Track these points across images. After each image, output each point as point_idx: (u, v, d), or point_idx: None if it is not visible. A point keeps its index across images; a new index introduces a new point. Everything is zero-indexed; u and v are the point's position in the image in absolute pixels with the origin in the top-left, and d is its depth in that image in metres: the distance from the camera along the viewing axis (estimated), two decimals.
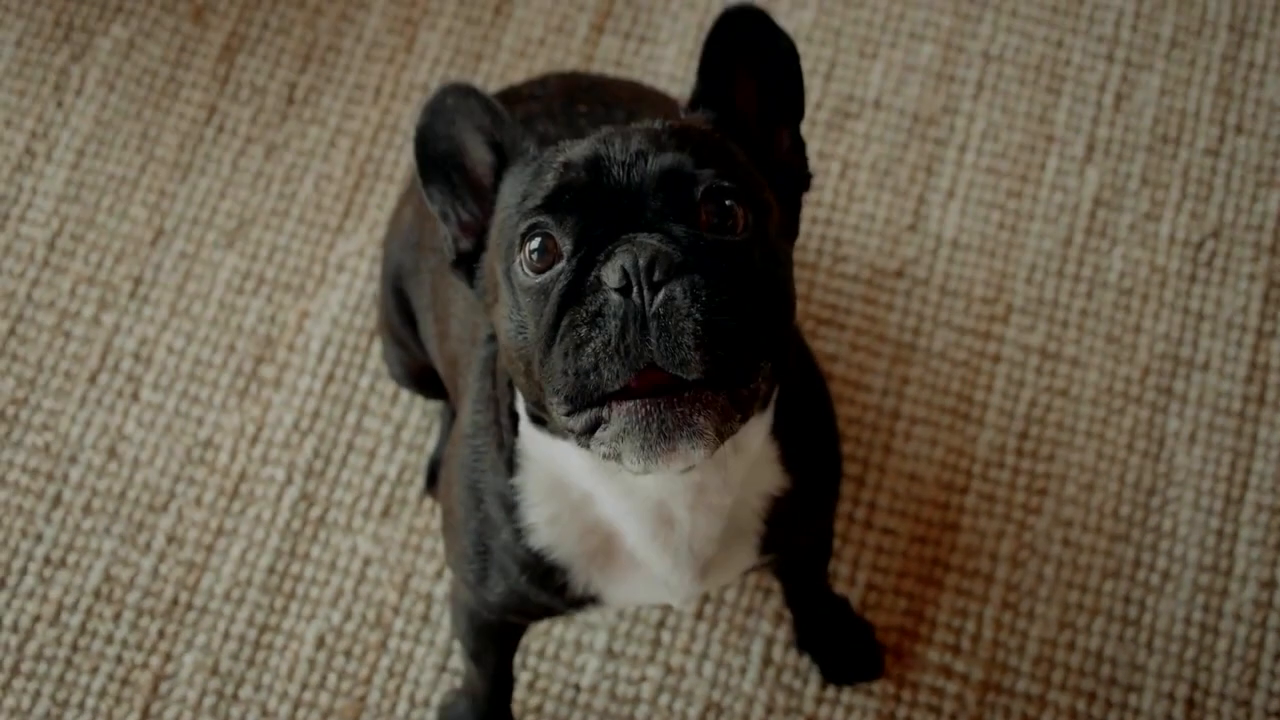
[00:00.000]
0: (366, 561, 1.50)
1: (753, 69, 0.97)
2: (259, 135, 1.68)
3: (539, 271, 0.89)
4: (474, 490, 1.07)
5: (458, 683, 1.44)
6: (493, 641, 1.26)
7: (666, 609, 1.47)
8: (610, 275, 0.85)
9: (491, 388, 1.06)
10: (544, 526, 1.03)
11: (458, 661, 1.45)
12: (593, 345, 0.85)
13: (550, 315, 0.87)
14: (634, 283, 0.84)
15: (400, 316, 1.36)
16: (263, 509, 1.52)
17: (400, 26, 1.73)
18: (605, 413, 0.86)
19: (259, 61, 1.71)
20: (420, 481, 1.53)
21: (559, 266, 0.88)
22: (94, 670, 1.46)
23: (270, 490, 1.52)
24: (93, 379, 1.57)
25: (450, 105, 0.96)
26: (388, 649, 1.47)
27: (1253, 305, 1.60)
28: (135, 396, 1.57)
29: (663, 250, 0.85)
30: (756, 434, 0.99)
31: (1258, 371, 1.57)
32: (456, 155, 0.98)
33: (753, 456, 1.00)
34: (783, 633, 1.46)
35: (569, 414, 0.88)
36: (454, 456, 1.11)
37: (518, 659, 1.46)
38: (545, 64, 1.71)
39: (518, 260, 0.90)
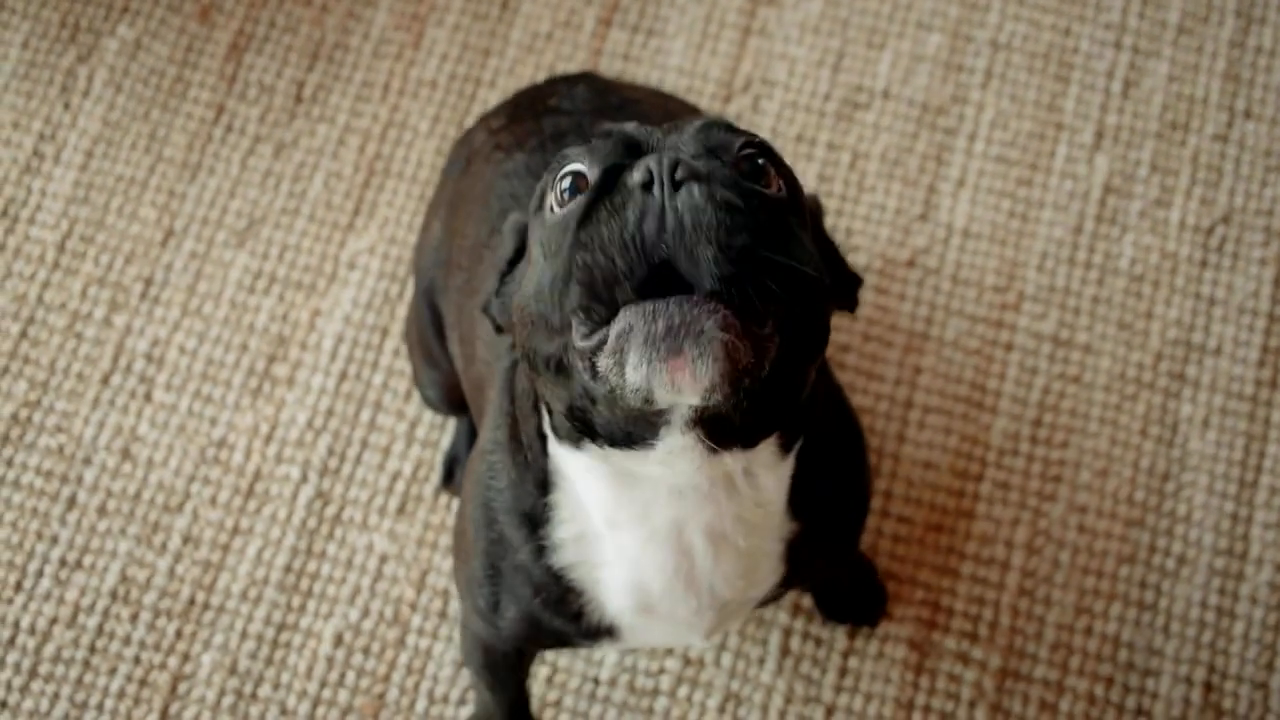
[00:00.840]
0: (383, 558, 1.50)
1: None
2: (267, 134, 1.68)
3: (564, 206, 0.85)
4: (488, 509, 1.04)
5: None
6: (508, 672, 1.23)
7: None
8: (634, 175, 0.80)
9: (510, 405, 1.03)
10: (570, 545, 0.99)
11: None
12: (606, 238, 0.79)
13: (571, 234, 0.81)
14: (656, 179, 0.80)
15: (434, 330, 1.33)
16: (278, 508, 1.52)
17: (407, 23, 1.72)
18: (615, 330, 0.79)
19: (266, 60, 1.71)
20: (435, 478, 1.53)
21: (584, 196, 0.84)
22: (112, 671, 1.46)
23: (285, 489, 1.52)
24: (105, 380, 1.57)
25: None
26: (406, 645, 1.47)
27: (1264, 290, 1.60)
28: (148, 397, 1.56)
29: (689, 159, 0.81)
30: (777, 472, 0.94)
31: (1270, 355, 1.58)
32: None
33: (767, 494, 0.95)
34: (800, 623, 1.46)
35: (588, 335, 0.81)
36: (471, 474, 1.08)
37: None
38: (553, 59, 1.71)
39: (548, 202, 0.86)
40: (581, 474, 0.94)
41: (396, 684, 1.46)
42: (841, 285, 0.97)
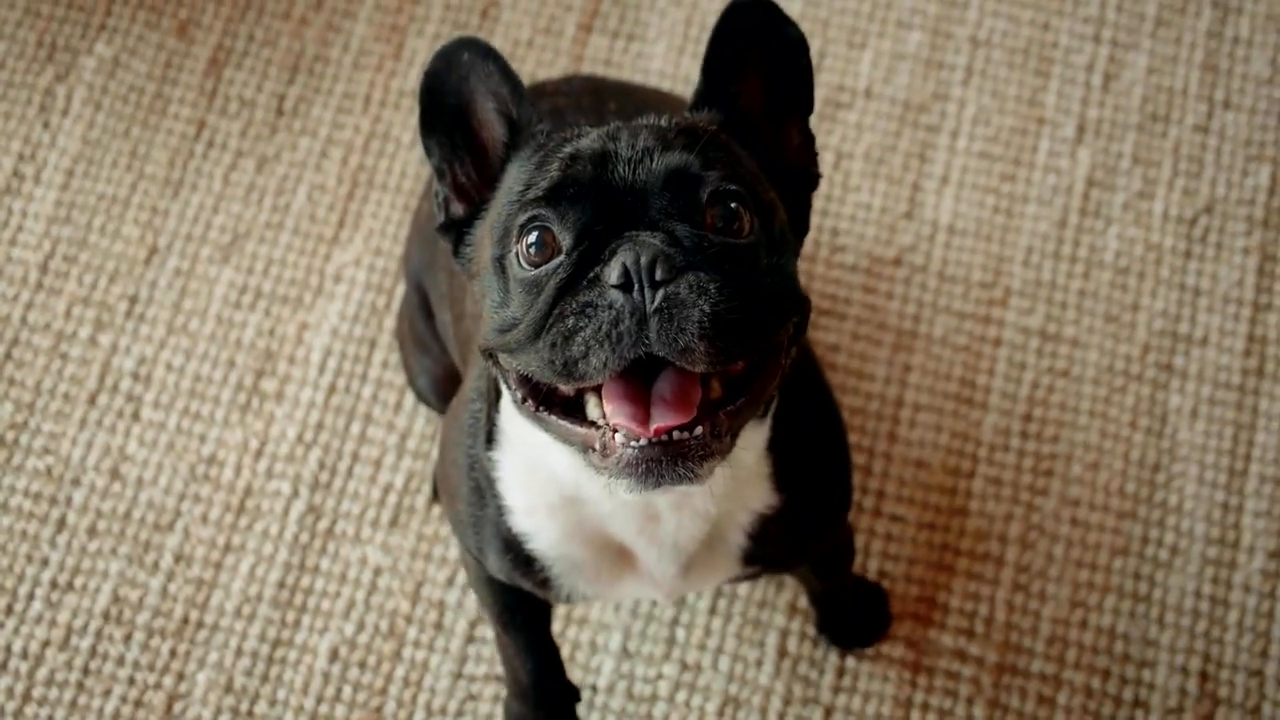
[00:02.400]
0: (377, 571, 1.49)
1: (760, 64, 0.96)
2: (250, 148, 1.67)
3: (535, 265, 0.87)
4: (470, 456, 1.06)
5: (474, 689, 1.43)
6: (520, 605, 1.21)
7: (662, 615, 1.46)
8: (611, 273, 0.84)
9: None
10: (522, 514, 1.02)
11: (472, 668, 1.45)
12: (583, 335, 0.83)
13: (543, 307, 0.85)
14: (635, 280, 0.83)
15: (423, 314, 1.35)
16: (270, 523, 1.51)
17: (387, 34, 1.72)
18: (600, 446, 0.86)
19: (246, 74, 1.70)
20: (427, 489, 1.53)
21: (557, 260, 0.86)
22: (107, 693, 1.45)
23: (277, 504, 1.52)
24: (92, 400, 1.56)
25: (466, 60, 0.94)
26: (402, 658, 1.46)
27: (1248, 279, 1.61)
28: (136, 416, 1.55)
29: (665, 251, 0.84)
30: (751, 446, 0.97)
31: (1255, 344, 1.59)
32: (464, 113, 0.95)
33: (745, 469, 0.98)
34: (797, 624, 1.46)
35: (554, 406, 0.87)
36: (454, 420, 1.10)
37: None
38: (535, 65, 1.70)
39: (514, 251, 0.88)
40: (542, 446, 0.96)
41: (394, 697, 1.45)
42: (803, 177, 1.00)
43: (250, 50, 1.71)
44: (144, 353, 1.58)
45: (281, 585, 1.49)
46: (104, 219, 1.64)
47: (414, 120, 1.68)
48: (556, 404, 0.88)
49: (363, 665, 1.46)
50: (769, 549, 1.06)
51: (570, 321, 0.84)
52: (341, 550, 1.50)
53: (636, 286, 0.83)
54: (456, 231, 0.97)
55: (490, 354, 0.90)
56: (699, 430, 0.84)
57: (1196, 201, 1.65)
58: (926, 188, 1.65)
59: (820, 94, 1.68)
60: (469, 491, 1.07)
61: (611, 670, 1.45)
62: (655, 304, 0.82)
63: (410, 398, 1.56)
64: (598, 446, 0.85)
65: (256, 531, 1.51)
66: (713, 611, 1.46)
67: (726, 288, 0.84)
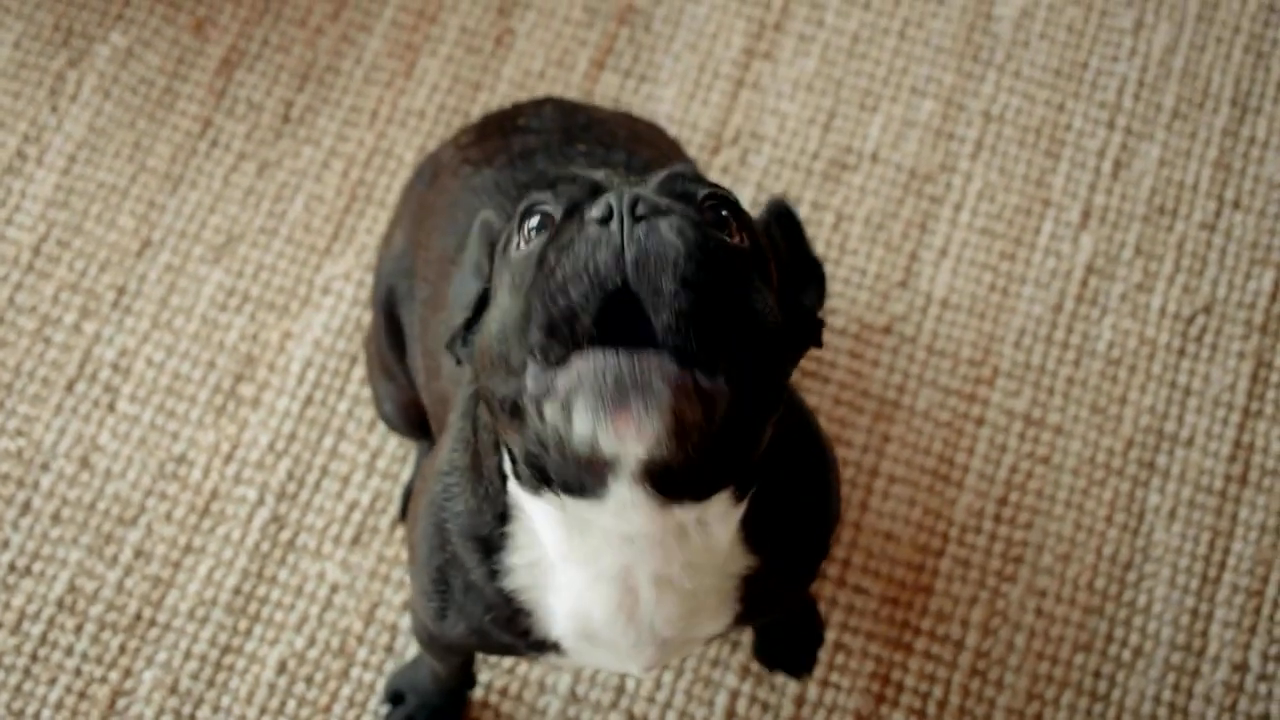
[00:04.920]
0: (334, 588, 1.48)
1: (785, 242, 0.97)
2: (252, 152, 1.67)
3: (530, 243, 0.86)
4: (441, 530, 1.05)
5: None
6: (455, 657, 1.27)
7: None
8: (593, 210, 0.81)
9: (472, 434, 1.02)
10: (523, 569, 1.00)
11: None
12: (562, 271, 0.79)
13: (531, 269, 0.82)
14: (615, 213, 0.80)
15: (391, 340, 1.33)
16: (233, 528, 1.50)
17: (401, 51, 1.72)
18: (565, 378, 0.79)
19: (257, 78, 1.70)
20: (393, 510, 1.52)
21: (546, 233, 0.85)
22: (52, 681, 1.45)
23: (241, 510, 1.51)
24: (70, 387, 1.56)
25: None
26: (350, 678, 1.45)
27: (1240, 383, 1.59)
28: (111, 407, 1.55)
29: (648, 195, 0.81)
30: (728, 520, 0.93)
31: (1242, 451, 1.56)
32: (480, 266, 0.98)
33: (719, 541, 0.95)
34: (748, 686, 1.45)
35: (539, 376, 0.80)
36: (424, 492, 1.09)
37: (479, 694, 1.45)
38: (544, 96, 1.70)
39: (515, 242, 0.87)
40: (537, 513, 0.95)
41: (337, 716, 1.44)
42: (804, 326, 0.96)
43: (263, 54, 1.71)
44: (126, 344, 1.58)
45: (237, 592, 1.48)
46: (101, 207, 1.65)
47: (418, 140, 1.68)
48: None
49: (310, 681, 1.45)
50: (750, 610, 1.04)
51: (553, 259, 0.80)
52: (301, 563, 1.49)
53: (615, 220, 0.80)
54: (463, 335, 0.97)
55: (513, 414, 0.84)
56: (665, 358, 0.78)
57: (1196, 300, 1.62)
58: (924, 258, 1.63)
59: (827, 154, 1.67)
60: (441, 562, 1.06)
61: (558, 713, 1.43)
62: (632, 233, 0.79)
63: None
64: (562, 378, 0.80)
65: (218, 535, 1.50)
66: (664, 666, 1.45)
67: (708, 244, 0.80)
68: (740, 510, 0.95)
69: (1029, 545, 1.51)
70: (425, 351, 1.22)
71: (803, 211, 1.65)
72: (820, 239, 1.64)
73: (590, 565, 0.95)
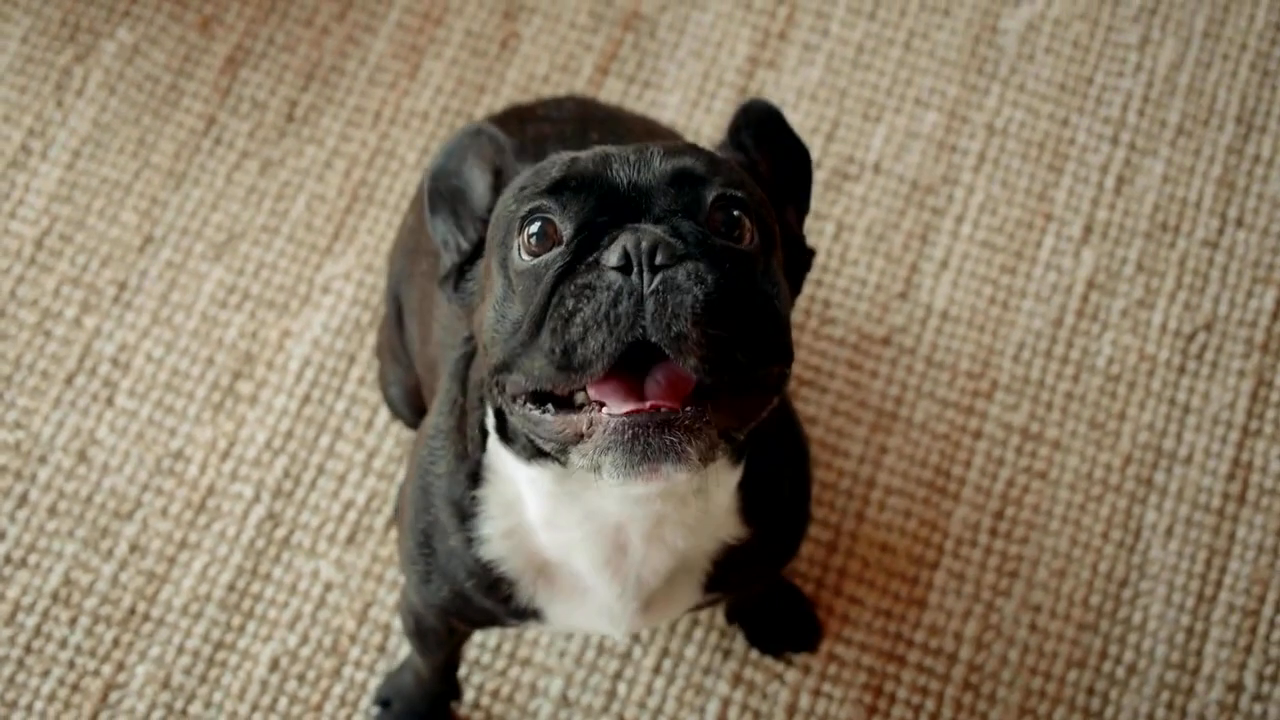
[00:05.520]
0: (328, 587, 1.48)
1: (769, 153, 0.99)
2: (256, 150, 1.67)
3: (535, 255, 0.87)
4: (426, 491, 1.07)
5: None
6: (437, 645, 1.27)
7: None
8: (610, 256, 0.83)
9: (460, 394, 1.04)
10: (497, 539, 1.02)
11: None
12: (581, 316, 0.82)
13: (542, 295, 0.84)
14: (635, 263, 0.82)
15: (398, 323, 1.36)
16: (228, 525, 1.51)
17: (405, 53, 1.72)
18: (587, 426, 0.83)
19: (262, 76, 1.71)
20: (388, 510, 1.52)
21: (557, 250, 0.86)
22: (45, 673, 1.45)
23: (237, 507, 1.51)
24: (69, 381, 1.57)
25: (464, 145, 0.98)
26: (341, 677, 1.45)
27: (1240, 402, 1.58)
28: (110, 402, 1.56)
29: (666, 239, 0.84)
30: (725, 484, 0.98)
31: (1240, 469, 1.55)
32: (463, 190, 0.99)
33: (717, 506, 0.99)
34: (740, 695, 1.44)
35: (548, 404, 0.85)
36: (415, 455, 1.11)
37: (470, 695, 1.45)
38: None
39: (515, 246, 0.88)
40: (520, 477, 0.97)
41: (328, 714, 1.44)
42: (799, 258, 1.00)
43: (269, 53, 1.72)
44: (126, 339, 1.59)
45: (231, 588, 1.48)
46: (104, 203, 1.65)
47: (420, 141, 1.68)
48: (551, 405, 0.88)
49: (301, 679, 1.45)
50: (732, 577, 1.06)
51: (569, 304, 0.83)
52: (295, 561, 1.49)
53: (635, 269, 0.82)
54: (457, 275, 0.98)
55: (497, 381, 0.89)
56: (688, 408, 0.83)
57: (1197, 317, 1.62)
58: (925, 270, 1.63)
59: (829, 163, 1.67)
60: (425, 525, 1.07)
61: (548, 716, 1.43)
62: (652, 286, 0.82)
63: (381, 417, 1.55)
64: (585, 427, 0.84)
65: (214, 531, 1.50)
66: (656, 671, 1.45)
67: (724, 281, 0.83)
68: (737, 474, 0.98)
69: (1024, 560, 1.51)
70: (420, 319, 1.24)
71: (804, 221, 1.65)
72: (821, 248, 1.64)
73: (580, 527, 0.97)
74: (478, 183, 0.98)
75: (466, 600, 1.08)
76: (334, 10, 1.73)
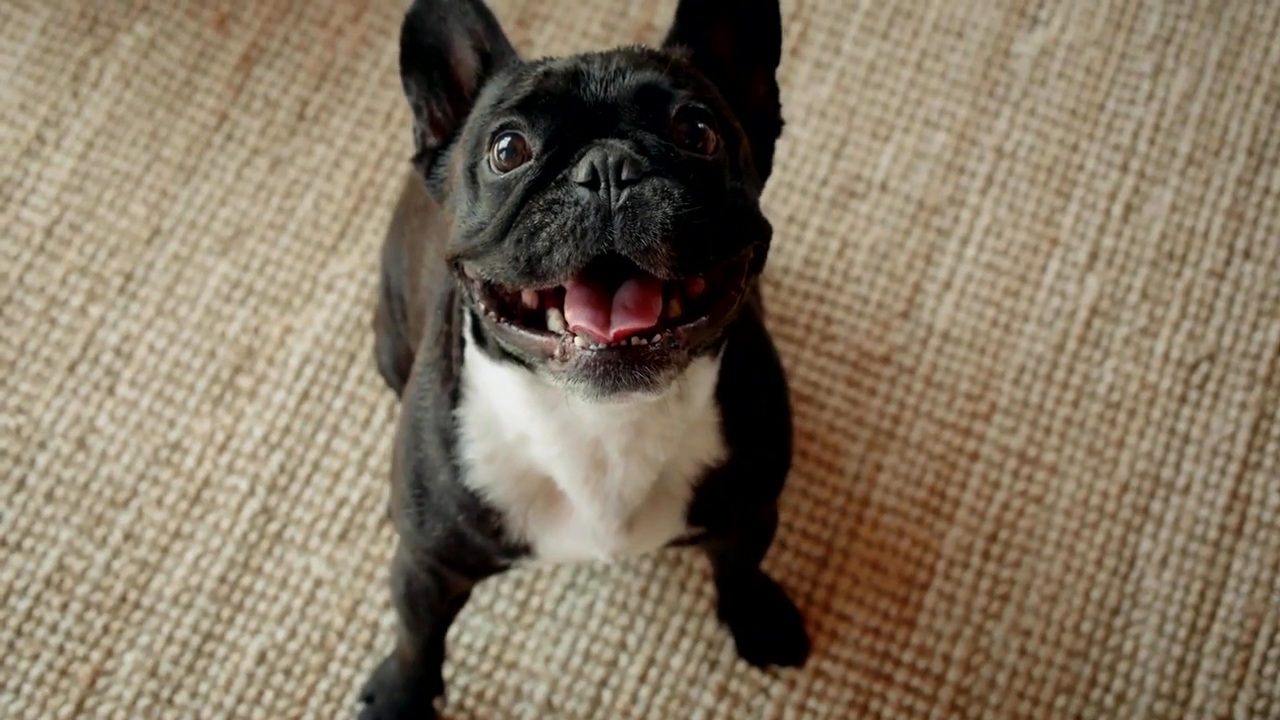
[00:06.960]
0: (318, 583, 1.49)
1: (731, 12, 0.99)
2: (266, 147, 1.69)
3: (505, 169, 0.89)
4: (416, 428, 1.08)
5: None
6: (428, 611, 1.27)
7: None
8: (578, 171, 0.85)
9: (445, 322, 1.07)
10: (481, 464, 1.04)
11: None
12: (548, 230, 0.85)
13: (510, 208, 0.87)
14: (602, 179, 0.85)
15: (386, 296, 1.39)
16: (222, 517, 1.51)
17: None
18: (559, 352, 0.86)
19: (275, 75, 1.72)
20: (381, 509, 1.52)
21: (526, 165, 0.89)
22: (35, 657, 1.46)
23: (232, 500, 1.52)
24: (72, 368, 1.58)
25: (445, 3, 0.99)
26: (328, 673, 1.45)
27: (1241, 434, 1.57)
28: (111, 391, 1.57)
29: (632, 155, 0.86)
30: (702, 383, 0.99)
31: (1238, 502, 1.54)
32: (442, 53, 1.00)
33: (696, 411, 1.00)
34: (725, 706, 1.44)
35: (511, 318, 0.88)
36: (405, 395, 1.13)
37: (455, 697, 1.45)
38: None
39: (485, 158, 0.91)
40: (496, 386, 0.98)
41: (313, 709, 1.44)
42: (767, 126, 1.01)
43: (283, 52, 1.73)
44: (130, 330, 1.60)
45: (222, 580, 1.49)
46: (114, 194, 1.67)
47: None
48: (518, 317, 0.90)
49: (288, 673, 1.45)
50: (714, 506, 1.07)
51: (536, 218, 0.86)
52: (287, 556, 1.50)
53: (603, 185, 0.85)
54: (430, 159, 1.00)
55: (456, 263, 0.92)
56: (658, 338, 0.85)
57: (1200, 348, 1.61)
58: (928, 290, 1.62)
59: (835, 181, 1.67)
60: (416, 464, 1.09)
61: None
62: (620, 202, 0.84)
63: (379, 416, 1.56)
64: (557, 353, 0.87)
65: (208, 523, 1.51)
66: (642, 679, 1.44)
67: (690, 194, 0.86)
68: (714, 371, 0.99)
69: (1016, 584, 1.50)
70: (410, 269, 1.27)
71: (809, 237, 1.65)
72: (824, 264, 1.64)
73: (556, 443, 0.98)
74: (461, 53, 0.99)
75: (461, 540, 1.09)
76: (349, 11, 1.75)
